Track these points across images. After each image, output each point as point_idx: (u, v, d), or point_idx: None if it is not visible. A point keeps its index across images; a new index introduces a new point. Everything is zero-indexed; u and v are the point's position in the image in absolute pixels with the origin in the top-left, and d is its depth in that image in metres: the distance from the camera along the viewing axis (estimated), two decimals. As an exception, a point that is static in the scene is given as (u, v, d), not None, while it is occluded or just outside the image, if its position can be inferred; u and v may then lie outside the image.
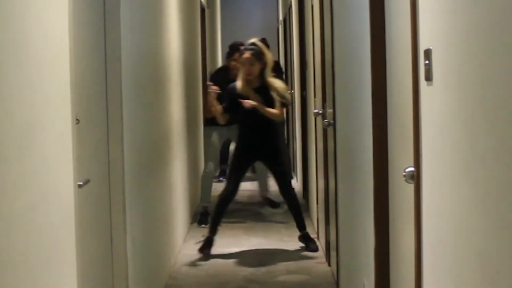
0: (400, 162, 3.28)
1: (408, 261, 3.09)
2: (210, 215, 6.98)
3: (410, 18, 2.79)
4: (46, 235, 2.77)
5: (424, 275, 2.73)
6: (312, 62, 7.45)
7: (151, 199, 5.42)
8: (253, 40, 6.98)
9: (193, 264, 6.55)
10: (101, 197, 4.02)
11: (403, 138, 3.21)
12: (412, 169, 2.80)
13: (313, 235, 7.39)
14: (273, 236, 7.51)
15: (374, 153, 3.68)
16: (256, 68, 6.66)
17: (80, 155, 3.35)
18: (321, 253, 6.73)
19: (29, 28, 2.64)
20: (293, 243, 7.06)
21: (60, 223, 2.97)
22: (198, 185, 8.58)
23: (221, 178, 10.08)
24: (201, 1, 10.36)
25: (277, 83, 6.75)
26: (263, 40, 9.17)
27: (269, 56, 6.79)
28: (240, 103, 6.54)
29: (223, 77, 7.89)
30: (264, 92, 6.64)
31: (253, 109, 6.53)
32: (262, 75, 6.69)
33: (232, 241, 7.31)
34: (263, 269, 6.31)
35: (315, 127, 7.31)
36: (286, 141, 9.45)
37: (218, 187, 8.19)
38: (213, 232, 6.77)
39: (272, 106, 6.63)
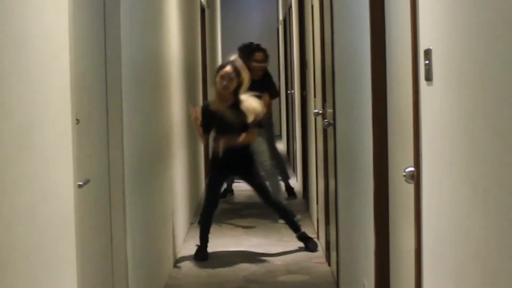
0: (400, 162, 3.29)
1: (408, 261, 3.09)
2: (200, 226, 6.94)
3: (410, 18, 2.79)
4: (46, 235, 2.77)
5: (424, 275, 2.74)
6: (312, 62, 7.45)
7: (151, 199, 5.42)
8: (233, 57, 6.92)
9: (193, 264, 6.55)
10: (101, 197, 4.02)
11: (403, 138, 3.21)
12: (412, 169, 2.80)
13: (313, 235, 7.39)
14: (273, 236, 7.51)
15: (374, 153, 3.68)
16: (234, 84, 6.56)
17: (80, 155, 3.35)
18: (321, 253, 6.73)
19: (29, 28, 2.64)
20: (293, 243, 7.05)
21: (60, 223, 2.97)
22: (199, 185, 8.58)
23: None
24: (201, 1, 10.37)
25: (252, 103, 6.61)
26: (258, 45, 9.23)
27: (246, 76, 6.66)
28: (216, 121, 6.52)
29: None
30: (237, 110, 6.58)
31: (227, 127, 6.51)
32: (236, 92, 6.63)
33: (232, 241, 7.31)
34: (263, 269, 6.31)
35: (315, 127, 7.31)
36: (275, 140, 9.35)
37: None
38: (204, 241, 6.75)
39: (246, 124, 6.58)
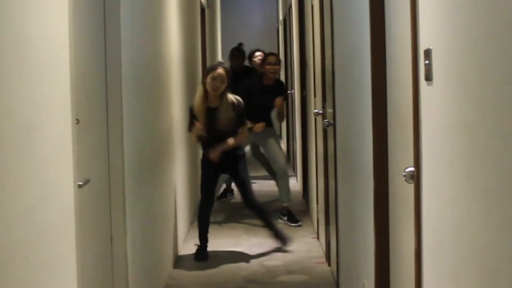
0: (400, 162, 3.29)
1: (408, 261, 3.09)
2: (198, 226, 6.93)
3: (410, 18, 2.79)
4: (46, 235, 2.77)
5: (424, 275, 2.74)
6: (312, 62, 7.45)
7: (151, 199, 5.42)
8: (220, 60, 6.94)
9: (193, 264, 6.55)
10: (101, 197, 4.02)
11: (403, 138, 3.21)
12: (412, 169, 2.80)
13: (313, 235, 7.40)
14: (273, 236, 7.50)
15: (374, 153, 3.68)
16: (224, 86, 6.57)
17: (80, 155, 3.35)
18: (321, 253, 6.73)
19: (29, 28, 2.64)
20: (293, 243, 7.05)
21: (60, 223, 2.97)
22: (198, 185, 8.56)
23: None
24: (201, 1, 10.37)
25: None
26: (240, 45, 9.28)
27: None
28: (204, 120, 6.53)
29: (257, 84, 7.93)
30: (217, 113, 6.57)
31: (213, 125, 6.52)
32: (222, 94, 6.60)
33: (232, 241, 7.31)
34: (263, 269, 6.31)
35: (315, 127, 7.31)
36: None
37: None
38: (204, 241, 6.75)
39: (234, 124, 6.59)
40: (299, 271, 6.25)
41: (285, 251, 6.84)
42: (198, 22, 10.03)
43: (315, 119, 7.20)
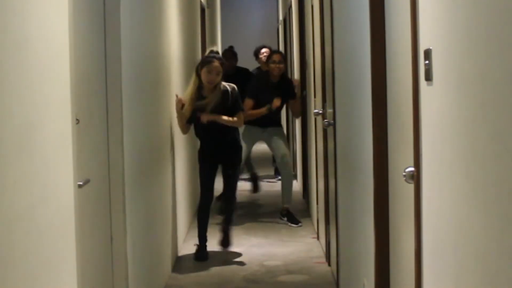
0: (400, 162, 3.29)
1: (408, 261, 3.09)
2: (197, 223, 6.93)
3: (410, 18, 2.79)
4: (46, 235, 2.77)
5: (424, 275, 2.74)
6: (312, 62, 7.45)
7: (151, 199, 5.42)
8: (214, 48, 6.94)
9: (193, 264, 6.55)
10: (101, 197, 4.02)
11: (403, 138, 3.21)
12: (412, 169, 2.80)
13: (313, 235, 7.40)
14: (273, 236, 7.51)
15: (374, 153, 3.68)
16: (219, 78, 6.58)
17: (80, 155, 3.35)
18: (321, 253, 6.73)
19: (29, 28, 2.64)
20: (293, 243, 7.05)
21: (60, 223, 2.97)
22: (198, 185, 8.56)
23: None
24: (201, 1, 10.37)
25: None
26: (230, 47, 9.33)
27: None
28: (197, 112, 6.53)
29: (264, 82, 7.92)
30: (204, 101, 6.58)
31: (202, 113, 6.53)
32: (215, 87, 6.60)
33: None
34: (263, 269, 6.31)
35: (315, 127, 7.31)
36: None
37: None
38: (203, 240, 6.75)
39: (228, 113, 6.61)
40: (299, 271, 6.25)
41: (287, 252, 6.85)
42: (198, 22, 10.03)
43: (315, 119, 7.20)
